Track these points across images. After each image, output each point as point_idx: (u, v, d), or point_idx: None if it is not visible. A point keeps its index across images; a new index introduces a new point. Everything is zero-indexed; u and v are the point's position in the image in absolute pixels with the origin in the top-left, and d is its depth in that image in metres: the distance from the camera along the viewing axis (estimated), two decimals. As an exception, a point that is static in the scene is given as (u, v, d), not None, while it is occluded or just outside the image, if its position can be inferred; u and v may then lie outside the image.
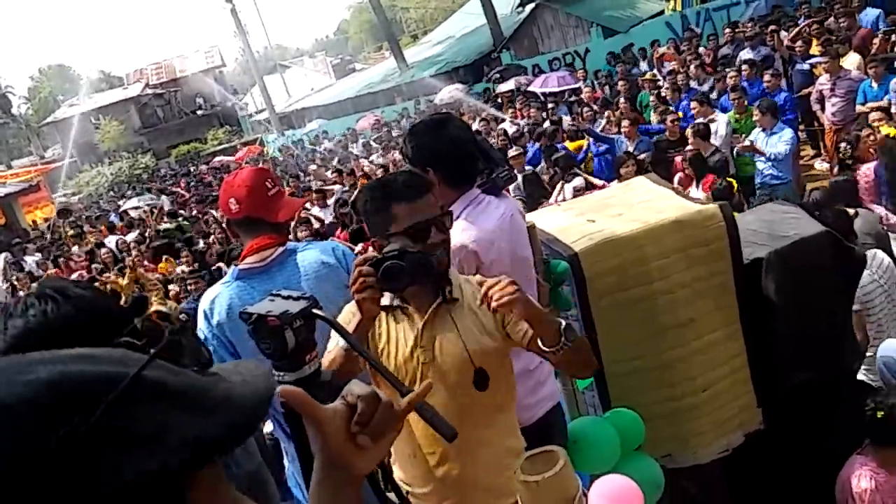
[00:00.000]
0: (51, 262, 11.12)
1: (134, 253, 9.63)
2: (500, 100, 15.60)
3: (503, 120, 12.94)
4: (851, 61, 8.52)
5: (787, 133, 6.87)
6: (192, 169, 30.32)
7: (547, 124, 10.65)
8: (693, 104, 8.05)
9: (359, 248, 4.92)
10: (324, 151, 19.99)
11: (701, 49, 12.77)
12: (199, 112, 43.93)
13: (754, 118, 7.17)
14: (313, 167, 15.81)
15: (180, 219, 12.60)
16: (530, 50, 21.03)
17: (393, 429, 1.01)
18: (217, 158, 28.86)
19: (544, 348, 1.82)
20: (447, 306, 1.92)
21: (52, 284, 1.24)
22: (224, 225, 7.84)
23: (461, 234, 2.29)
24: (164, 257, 8.64)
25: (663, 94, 10.20)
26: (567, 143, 9.21)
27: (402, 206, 1.86)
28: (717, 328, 2.87)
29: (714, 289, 2.85)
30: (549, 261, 2.71)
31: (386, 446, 1.00)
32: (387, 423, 0.99)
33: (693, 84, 10.18)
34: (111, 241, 11.92)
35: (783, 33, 10.97)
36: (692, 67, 10.92)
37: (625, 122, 8.44)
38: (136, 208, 16.92)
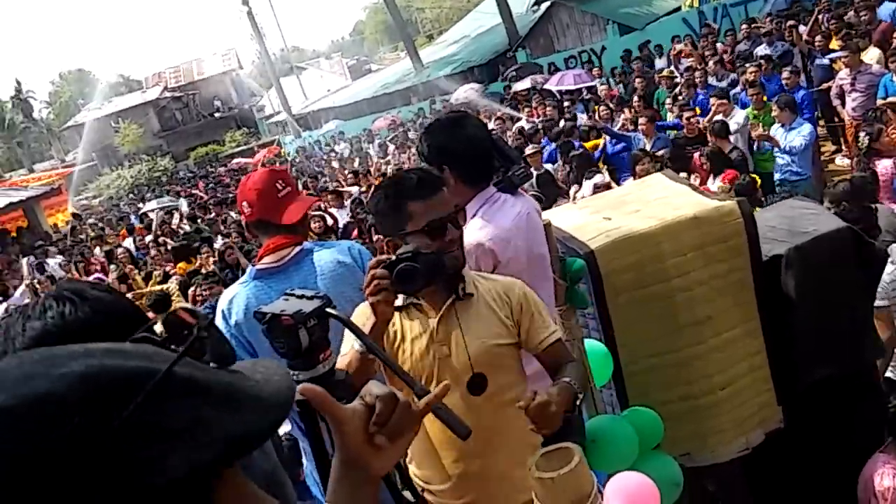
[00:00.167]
0: (73, 265, 11.24)
1: (153, 252, 9.71)
2: (518, 98, 15.55)
3: (519, 119, 12.91)
4: (872, 55, 8.41)
5: (806, 128, 6.80)
6: (210, 171, 30.56)
7: (563, 123, 10.61)
8: (713, 100, 7.99)
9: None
10: (340, 152, 20.08)
11: (718, 45, 12.66)
12: (216, 115, 44.29)
13: (773, 114, 7.10)
14: (333, 165, 15.87)
15: (199, 222, 12.70)
16: (546, 48, 20.96)
17: (410, 429, 1.01)
18: (235, 160, 29.08)
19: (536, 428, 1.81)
20: (462, 303, 1.92)
21: (69, 286, 1.24)
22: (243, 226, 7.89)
23: (477, 232, 2.29)
24: (186, 259, 8.72)
25: (680, 91, 10.12)
26: (586, 143, 9.15)
27: (418, 203, 1.85)
28: (735, 325, 2.85)
29: (732, 286, 2.83)
30: (565, 259, 2.69)
31: (404, 446, 1.01)
32: (404, 423, 0.99)
33: (711, 80, 10.10)
34: (129, 242, 12.06)
35: (801, 28, 10.86)
36: (711, 63, 10.83)
37: (642, 120, 8.39)
38: (155, 210, 17.07)
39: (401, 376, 1.19)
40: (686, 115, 8.00)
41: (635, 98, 9.73)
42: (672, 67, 12.65)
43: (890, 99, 7.37)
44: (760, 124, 7.32)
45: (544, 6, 21.61)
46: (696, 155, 7.06)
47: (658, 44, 15.31)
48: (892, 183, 5.37)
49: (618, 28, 18.87)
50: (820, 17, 11.19)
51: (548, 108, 12.39)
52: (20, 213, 20.26)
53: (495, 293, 1.96)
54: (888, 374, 3.39)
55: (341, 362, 1.74)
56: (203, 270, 8.09)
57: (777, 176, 6.92)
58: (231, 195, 15.17)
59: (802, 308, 2.86)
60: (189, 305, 6.39)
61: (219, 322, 2.44)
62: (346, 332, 1.86)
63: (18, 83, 53.40)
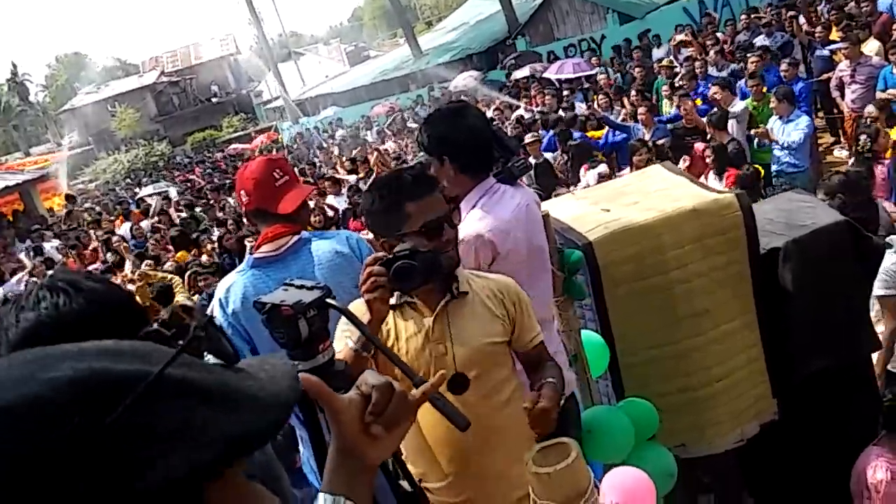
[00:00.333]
0: (68, 249, 11.21)
1: (151, 241, 9.68)
2: (519, 86, 15.49)
3: (517, 107, 12.88)
4: (872, 47, 8.39)
5: (804, 120, 6.78)
6: (207, 156, 30.46)
7: (562, 112, 10.58)
8: (715, 89, 7.96)
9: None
10: (338, 139, 20.02)
11: (719, 35, 12.61)
12: (214, 100, 44.14)
13: (770, 105, 7.09)
14: (332, 151, 15.81)
15: (197, 209, 12.66)
16: (545, 36, 20.87)
17: (407, 419, 1.01)
18: (232, 146, 28.99)
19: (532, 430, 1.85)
20: (456, 301, 1.92)
21: (63, 277, 1.23)
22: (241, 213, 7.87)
23: (477, 223, 2.29)
24: (187, 248, 8.69)
25: (680, 81, 10.08)
26: (590, 133, 9.12)
27: (415, 204, 1.85)
28: (733, 318, 2.85)
29: (730, 278, 2.83)
30: (563, 250, 2.70)
31: (400, 436, 1.01)
32: (401, 413, 0.99)
33: (711, 70, 10.06)
34: (125, 228, 12.02)
35: (802, 18, 10.82)
36: (711, 53, 10.78)
37: (641, 110, 8.37)
38: (152, 195, 17.02)
39: (400, 367, 1.19)
40: (685, 105, 7.96)
41: (633, 90, 9.69)
42: (671, 57, 12.61)
43: (890, 91, 7.36)
44: (757, 116, 7.30)
45: (544, -6, 21.51)
46: (698, 145, 7.06)
47: (657, 34, 15.25)
48: (888, 183, 5.38)
49: (618, 17, 18.79)
50: (820, 7, 11.15)
51: (547, 97, 12.35)
52: (16, 197, 20.19)
53: (489, 291, 1.97)
54: (890, 367, 3.38)
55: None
56: (204, 259, 8.08)
57: (774, 168, 6.91)
58: (228, 181, 15.13)
59: (799, 301, 2.87)
60: (188, 303, 6.36)
61: (216, 311, 2.44)
62: (338, 327, 1.87)
63: (14, 66, 53.13)
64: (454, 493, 1.95)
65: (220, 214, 11.18)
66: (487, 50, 22.57)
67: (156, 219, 12.18)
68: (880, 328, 3.35)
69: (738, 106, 7.56)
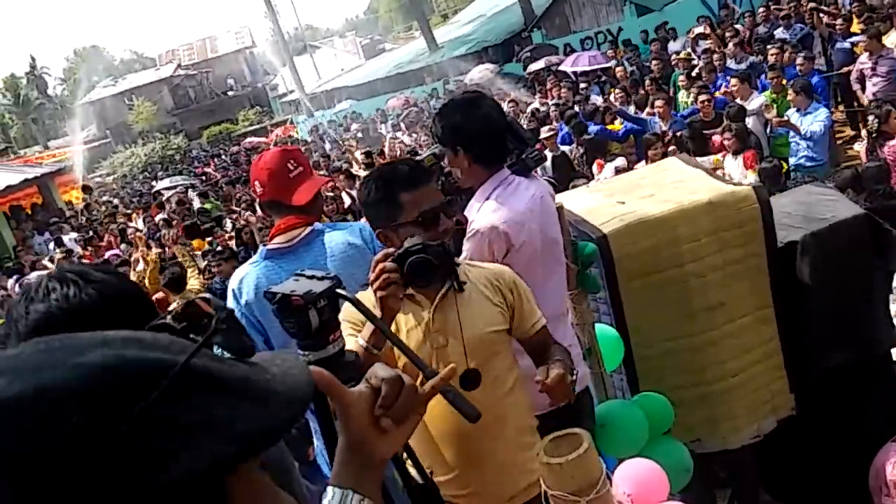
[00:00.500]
0: (83, 243, 11.31)
1: (164, 232, 9.74)
2: (538, 80, 15.41)
3: (531, 102, 12.83)
4: (893, 39, 8.27)
5: (822, 112, 6.71)
6: (223, 150, 30.60)
7: (581, 105, 10.52)
8: (733, 81, 7.89)
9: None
10: (353, 132, 20.04)
11: (738, 27, 12.48)
12: (230, 93, 44.34)
13: (788, 98, 7.02)
14: (349, 144, 15.81)
15: (212, 199, 12.72)
16: (562, 29, 20.77)
17: (416, 412, 1.01)
18: (247, 139, 29.09)
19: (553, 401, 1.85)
20: (454, 291, 1.90)
21: (72, 268, 1.23)
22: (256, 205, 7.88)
23: (491, 214, 2.27)
24: (201, 237, 8.74)
25: (699, 73, 9.98)
26: (610, 126, 9.05)
27: (410, 194, 1.84)
28: (749, 312, 2.82)
29: (747, 272, 2.80)
30: (577, 242, 2.68)
31: (409, 429, 1.00)
32: (410, 406, 0.99)
33: (730, 63, 9.96)
34: (141, 222, 12.12)
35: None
36: (730, 45, 10.66)
37: (658, 102, 8.31)
38: (169, 188, 17.13)
39: (411, 359, 1.18)
40: (701, 98, 7.89)
41: (647, 82, 9.62)
42: (689, 49, 12.49)
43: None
44: (776, 109, 7.23)
45: (561, -15, 21.39)
46: (716, 138, 7.00)
47: (673, 27, 15.12)
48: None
49: (635, 9, 18.66)
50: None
51: (562, 90, 12.29)
52: (35, 190, 20.37)
53: (486, 280, 1.96)
54: None
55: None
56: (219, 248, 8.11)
57: (792, 161, 6.85)
58: (245, 174, 15.19)
59: (818, 295, 2.84)
60: (205, 294, 6.38)
61: (230, 301, 2.45)
62: (343, 325, 1.86)
63: (33, 59, 53.66)
64: (461, 486, 1.94)
65: (235, 207, 11.22)
66: (503, 42, 22.49)
67: (170, 208, 12.26)
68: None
69: (756, 101, 7.49)
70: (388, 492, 1.26)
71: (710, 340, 2.78)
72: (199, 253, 7.77)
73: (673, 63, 11.39)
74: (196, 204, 12.67)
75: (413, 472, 1.38)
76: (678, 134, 7.46)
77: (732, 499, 3.11)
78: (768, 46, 9.27)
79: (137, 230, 10.52)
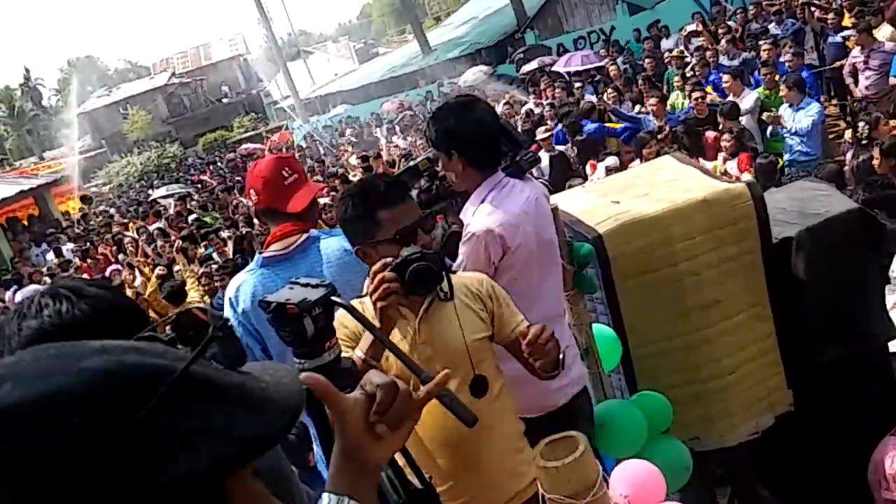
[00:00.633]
0: (80, 254, 11.28)
1: (160, 242, 9.71)
2: (532, 81, 15.43)
3: (526, 102, 12.84)
4: (885, 33, 8.29)
5: (814, 107, 6.74)
6: (218, 157, 30.57)
7: (581, 104, 10.52)
8: (726, 78, 7.90)
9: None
10: (348, 137, 20.04)
11: (730, 23, 12.50)
12: (224, 100, 44.30)
13: (781, 93, 7.04)
14: (344, 147, 15.79)
15: (211, 212, 12.70)
16: (554, 29, 20.79)
17: (411, 418, 1.01)
18: (243, 146, 29.06)
19: (542, 373, 1.86)
20: (439, 302, 1.91)
21: (66, 284, 1.23)
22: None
23: (486, 217, 2.28)
24: (198, 245, 8.72)
25: (690, 71, 10.00)
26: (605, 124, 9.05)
27: (388, 211, 1.84)
28: (744, 309, 2.83)
29: (742, 269, 2.81)
30: (573, 243, 2.68)
31: (404, 435, 1.01)
32: (405, 412, 0.99)
33: (723, 59, 9.98)
34: (135, 231, 12.10)
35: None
36: (723, 42, 10.69)
37: (652, 100, 8.32)
38: (166, 197, 17.11)
39: (407, 364, 1.19)
40: (694, 95, 7.91)
41: (640, 80, 9.63)
42: (682, 47, 12.51)
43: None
44: (771, 108, 7.26)
45: (552, -14, 21.41)
46: (709, 133, 7.02)
47: (666, 24, 15.14)
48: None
49: (627, 7, 18.67)
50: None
51: (556, 90, 12.30)
52: (31, 201, 20.33)
53: (466, 289, 1.97)
54: None
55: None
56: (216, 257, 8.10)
57: (786, 157, 6.87)
58: (241, 181, 15.17)
59: (813, 290, 2.84)
60: (200, 304, 6.37)
61: (227, 310, 2.45)
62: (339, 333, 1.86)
63: (27, 71, 53.59)
64: (457, 494, 1.93)
65: (232, 216, 11.21)
66: (496, 44, 22.50)
67: (168, 216, 12.24)
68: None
69: (748, 98, 7.51)
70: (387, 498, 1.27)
71: (706, 338, 2.78)
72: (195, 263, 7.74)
73: (666, 61, 11.42)
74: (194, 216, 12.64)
75: (413, 479, 1.38)
76: (674, 130, 7.49)
77: (732, 497, 3.12)
78: (760, 42, 9.28)
79: (134, 239, 10.49)
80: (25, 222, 19.27)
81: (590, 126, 8.54)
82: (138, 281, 8.00)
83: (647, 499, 2.00)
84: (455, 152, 2.33)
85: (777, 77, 7.79)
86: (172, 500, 0.58)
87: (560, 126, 9.13)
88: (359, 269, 2.37)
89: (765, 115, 7.00)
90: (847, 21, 9.36)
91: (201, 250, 8.48)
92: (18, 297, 8.89)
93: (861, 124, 5.74)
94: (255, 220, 7.52)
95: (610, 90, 10.33)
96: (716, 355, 2.80)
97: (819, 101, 7.65)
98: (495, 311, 1.97)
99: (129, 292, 7.15)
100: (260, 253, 2.51)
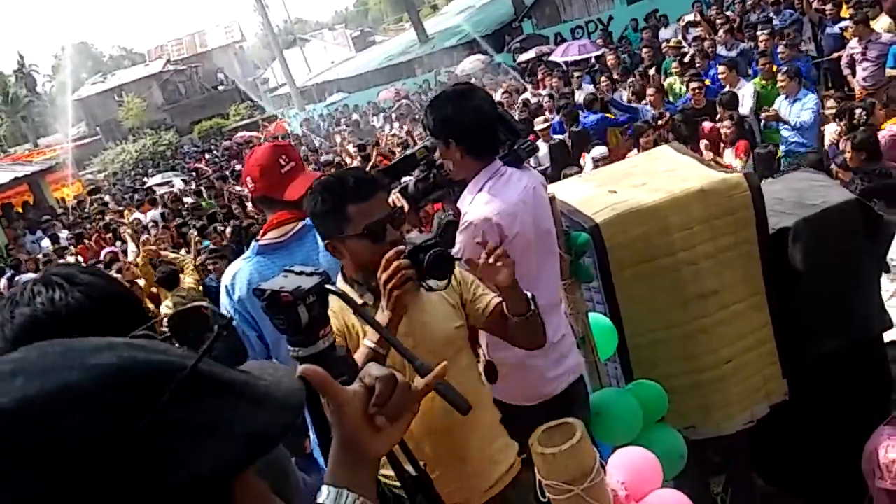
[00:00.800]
0: (74, 240, 11.26)
1: (154, 232, 9.69)
2: (530, 70, 15.40)
3: (524, 90, 12.82)
4: (882, 24, 8.27)
5: (811, 99, 6.73)
6: (213, 145, 30.46)
7: (578, 93, 10.51)
8: (721, 69, 7.89)
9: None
10: (344, 125, 20.00)
11: (728, 13, 12.48)
12: (220, 87, 44.08)
13: (779, 84, 7.02)
14: (337, 138, 15.77)
15: (206, 198, 12.68)
16: (552, 18, 20.73)
17: (410, 409, 1.01)
18: (239, 134, 28.96)
19: (513, 316, 1.88)
20: (415, 294, 1.90)
21: (58, 271, 1.21)
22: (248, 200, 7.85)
23: (484, 206, 2.27)
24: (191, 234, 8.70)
25: (691, 59, 9.98)
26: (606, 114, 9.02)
27: (356, 206, 1.83)
28: (741, 299, 2.83)
29: (739, 259, 2.81)
30: (570, 232, 2.68)
31: (403, 427, 1.01)
32: (404, 403, 0.99)
33: (721, 50, 9.96)
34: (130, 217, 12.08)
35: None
36: (721, 32, 10.66)
37: (649, 90, 8.31)
38: (161, 185, 17.08)
39: (401, 352, 1.19)
40: (693, 85, 7.89)
41: (637, 72, 9.62)
42: (680, 37, 12.49)
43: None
44: (768, 103, 7.25)
45: (550, -25, 21.34)
46: (706, 125, 7.02)
47: (665, 14, 15.10)
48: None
49: (625, -3, 18.63)
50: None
51: (553, 80, 12.27)
52: (25, 188, 20.28)
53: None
54: None
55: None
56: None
57: (783, 148, 6.87)
58: (237, 169, 15.15)
59: (810, 280, 2.85)
60: (204, 303, 6.34)
61: (223, 298, 2.44)
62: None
63: (21, 57, 53.20)
64: (445, 484, 1.95)
65: (229, 204, 11.18)
66: (493, 33, 22.44)
67: (163, 203, 12.22)
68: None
69: (745, 88, 7.51)
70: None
71: (703, 328, 2.79)
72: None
73: (663, 51, 11.40)
74: (188, 201, 12.62)
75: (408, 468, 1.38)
76: (673, 116, 7.50)
77: (727, 485, 3.13)
78: (758, 33, 9.26)
79: (136, 220, 10.46)
80: (20, 209, 19.22)
81: (592, 116, 8.53)
82: (131, 255, 7.96)
83: (644, 486, 2.01)
84: (453, 140, 2.32)
85: (774, 68, 7.78)
86: (182, 499, 0.57)
87: (558, 116, 9.12)
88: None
89: (763, 115, 6.99)
90: (845, 12, 9.34)
91: (193, 233, 8.42)
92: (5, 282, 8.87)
93: (858, 111, 5.74)
94: (250, 207, 7.50)
95: (604, 79, 10.32)
96: (712, 345, 2.80)
97: (816, 92, 7.66)
98: (465, 296, 1.99)
99: (125, 276, 7.14)
100: (256, 241, 2.51)
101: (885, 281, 3.17)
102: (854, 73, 8.14)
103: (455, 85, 2.60)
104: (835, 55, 8.86)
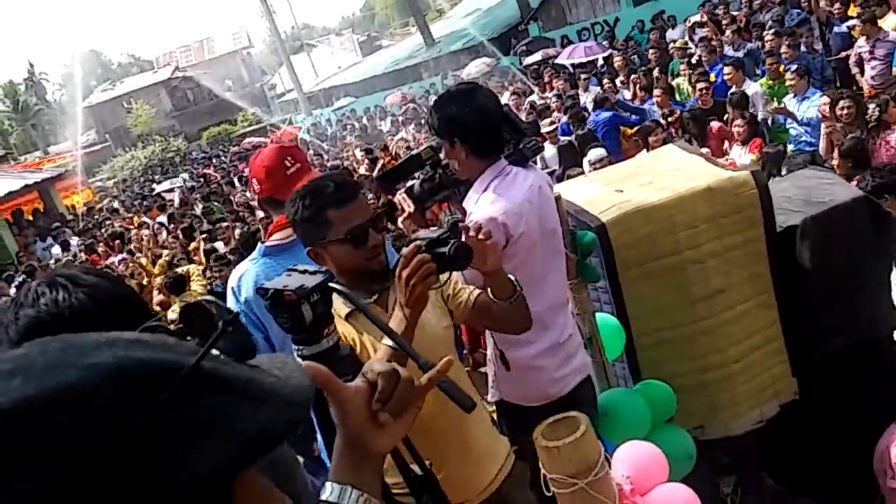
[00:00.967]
0: (84, 248, 11.32)
1: (164, 235, 9.74)
2: (536, 74, 15.40)
3: (531, 92, 12.82)
4: (890, 22, 8.23)
5: (818, 98, 6.69)
6: (222, 150, 30.57)
7: (583, 95, 10.51)
8: (727, 70, 7.86)
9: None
10: (350, 130, 20.05)
11: (735, 13, 12.44)
12: (228, 94, 44.24)
13: (787, 83, 6.99)
14: (349, 139, 15.79)
15: (214, 203, 12.73)
16: (558, 20, 20.74)
17: (414, 405, 1.00)
18: (247, 140, 29.06)
19: (499, 300, 1.88)
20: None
21: (62, 272, 1.21)
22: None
23: (489, 206, 2.27)
24: (197, 237, 8.74)
25: (699, 59, 9.95)
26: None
27: (337, 211, 1.82)
28: (749, 297, 2.82)
29: (746, 257, 2.79)
30: (576, 232, 2.67)
31: (408, 423, 1.00)
32: (408, 399, 0.98)
33: (728, 50, 9.93)
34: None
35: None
36: (728, 32, 10.63)
37: (656, 91, 8.29)
38: (170, 190, 17.15)
39: (405, 350, 1.18)
40: (700, 85, 7.87)
41: (640, 71, 9.61)
42: (686, 38, 12.46)
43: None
44: (774, 99, 7.22)
45: (556, -23, 21.35)
46: (714, 123, 6.99)
47: (673, 14, 15.08)
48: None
49: (631, -2, 18.61)
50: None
51: (559, 82, 12.26)
52: (36, 195, 20.41)
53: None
54: None
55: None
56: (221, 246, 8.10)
57: (791, 147, 6.83)
58: (245, 174, 15.19)
59: (818, 278, 2.83)
60: (210, 297, 6.38)
61: (230, 299, 2.45)
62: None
63: (31, 65, 53.65)
64: (449, 484, 1.95)
65: (236, 208, 11.22)
66: (500, 36, 22.46)
67: (173, 206, 12.27)
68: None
69: (751, 87, 7.48)
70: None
71: (711, 327, 2.77)
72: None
73: (670, 51, 11.37)
74: (199, 206, 12.66)
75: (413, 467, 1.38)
76: (682, 114, 7.49)
77: (737, 485, 3.11)
78: (764, 33, 9.23)
79: (145, 224, 10.51)
80: (30, 216, 19.34)
81: (604, 115, 8.50)
82: (144, 260, 8.01)
83: (649, 480, 2.00)
84: (458, 140, 2.32)
85: (781, 68, 7.75)
86: (183, 497, 0.56)
87: (565, 119, 9.12)
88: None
89: (771, 108, 6.96)
90: (852, 11, 9.29)
91: (202, 243, 8.46)
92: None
93: (871, 106, 5.69)
94: (261, 215, 7.51)
95: (606, 81, 10.31)
96: (720, 344, 2.79)
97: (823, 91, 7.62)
98: (449, 294, 1.99)
99: (135, 282, 7.18)
100: (262, 242, 2.51)
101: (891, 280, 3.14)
102: (862, 72, 8.09)
103: (458, 84, 2.59)
104: (843, 54, 8.82)
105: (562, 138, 8.62)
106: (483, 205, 2.29)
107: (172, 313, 6.15)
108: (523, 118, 10.17)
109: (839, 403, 2.87)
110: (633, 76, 10.15)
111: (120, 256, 9.57)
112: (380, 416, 0.95)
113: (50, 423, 0.54)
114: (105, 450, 0.54)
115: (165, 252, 7.68)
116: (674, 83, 9.22)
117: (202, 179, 20.14)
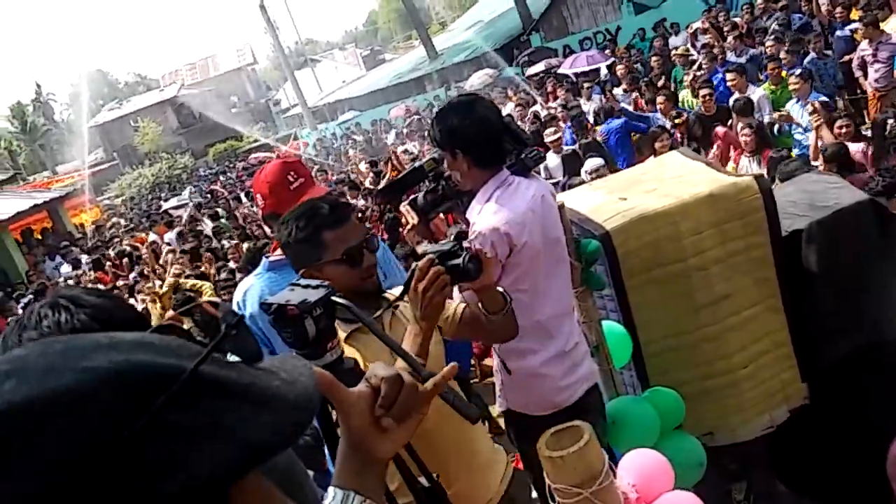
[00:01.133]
0: (93, 267, 11.35)
1: (170, 257, 9.74)
2: (539, 84, 15.43)
3: (535, 102, 12.83)
4: (892, 25, 8.22)
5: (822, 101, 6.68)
6: (228, 167, 30.71)
7: (586, 104, 10.52)
8: (730, 76, 7.86)
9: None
10: (360, 143, 20.11)
11: (737, 20, 12.44)
12: (233, 110, 44.53)
13: (791, 87, 6.98)
14: (353, 154, 15.82)
15: (222, 221, 12.76)
16: (560, 30, 20.79)
17: (418, 411, 1.00)
18: (253, 155, 29.19)
19: (490, 313, 1.87)
20: (395, 317, 1.95)
21: (64, 293, 1.22)
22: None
23: (492, 216, 2.27)
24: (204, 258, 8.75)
25: (700, 66, 9.95)
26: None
27: (332, 232, 1.83)
28: (755, 303, 2.81)
29: (751, 263, 2.79)
30: (580, 240, 2.67)
31: (411, 428, 1.00)
32: (412, 405, 0.98)
33: (730, 56, 9.92)
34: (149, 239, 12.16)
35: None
36: (730, 39, 10.62)
37: (659, 98, 8.29)
38: (177, 207, 17.21)
39: (407, 361, 1.18)
40: (702, 92, 7.86)
41: (643, 81, 9.62)
42: (689, 45, 12.46)
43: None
44: (778, 107, 7.21)
45: (557, -13, 21.42)
46: (719, 129, 6.98)
47: (676, 22, 15.09)
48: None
49: (633, 6, 18.63)
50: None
51: (561, 92, 12.27)
52: (44, 215, 20.52)
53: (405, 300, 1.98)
54: None
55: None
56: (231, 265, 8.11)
57: (795, 152, 6.80)
58: (248, 190, 15.24)
59: (825, 282, 2.82)
60: (215, 298, 6.40)
61: (235, 314, 2.45)
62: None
63: (38, 86, 54.11)
64: (456, 497, 1.95)
65: (243, 224, 11.25)
66: (502, 47, 22.52)
67: (182, 224, 12.31)
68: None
69: (755, 94, 7.48)
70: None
71: (716, 333, 2.76)
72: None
73: (672, 59, 11.38)
74: (208, 223, 12.68)
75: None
76: (687, 118, 7.50)
77: (749, 492, 3.09)
78: (765, 39, 9.23)
79: (156, 243, 10.54)
80: (39, 235, 19.44)
81: (615, 122, 8.50)
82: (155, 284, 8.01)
83: (655, 488, 1.98)
84: (459, 151, 2.33)
85: (784, 73, 7.74)
86: (181, 502, 0.56)
87: (569, 128, 9.13)
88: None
89: (775, 115, 6.95)
90: (854, 14, 9.29)
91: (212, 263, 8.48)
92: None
93: (891, 122, 5.66)
94: (269, 232, 7.52)
95: (607, 91, 10.33)
96: (727, 350, 2.78)
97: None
98: None
99: (149, 303, 7.20)
100: (267, 257, 2.52)
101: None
102: (866, 75, 8.08)
103: (459, 96, 2.60)
104: (846, 58, 8.81)
105: (566, 148, 8.63)
106: (486, 215, 2.30)
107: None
108: (527, 129, 10.19)
109: (849, 407, 2.85)
110: (637, 88, 10.14)
111: (132, 276, 9.58)
112: (383, 422, 0.95)
113: (43, 426, 0.54)
114: (103, 452, 0.54)
115: (170, 274, 7.65)
116: (681, 95, 9.22)
117: (209, 196, 20.22)
